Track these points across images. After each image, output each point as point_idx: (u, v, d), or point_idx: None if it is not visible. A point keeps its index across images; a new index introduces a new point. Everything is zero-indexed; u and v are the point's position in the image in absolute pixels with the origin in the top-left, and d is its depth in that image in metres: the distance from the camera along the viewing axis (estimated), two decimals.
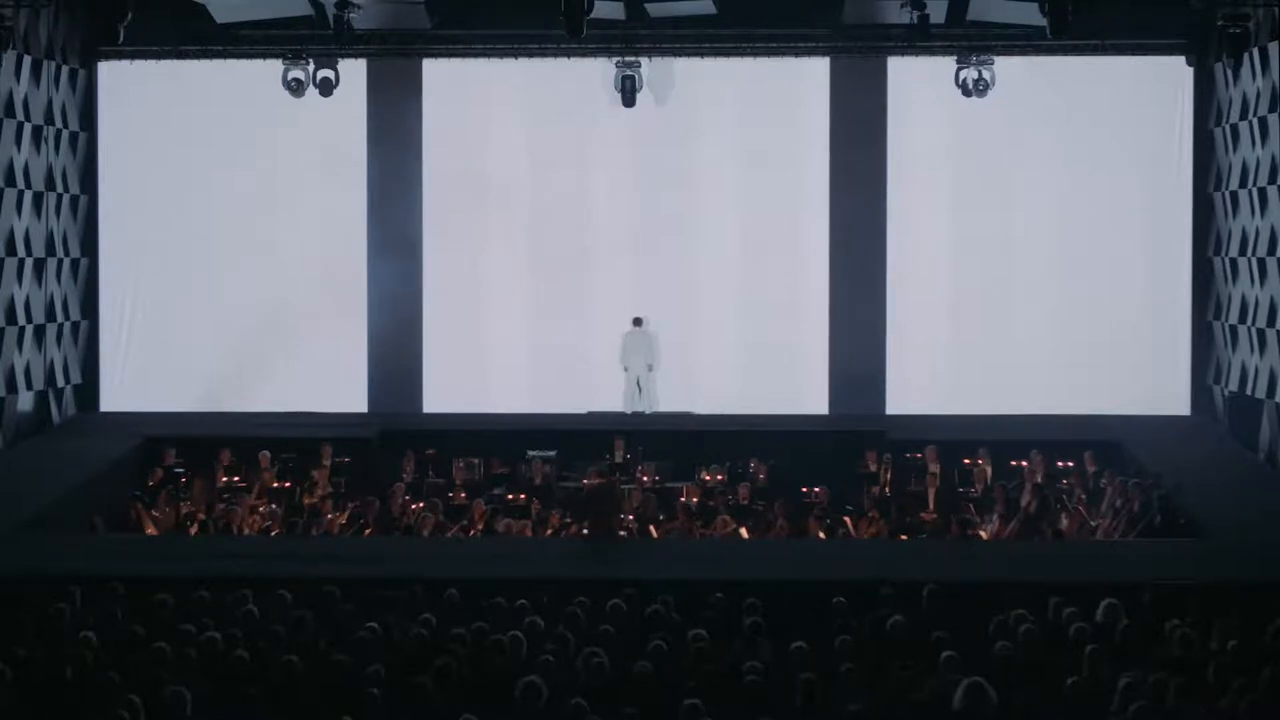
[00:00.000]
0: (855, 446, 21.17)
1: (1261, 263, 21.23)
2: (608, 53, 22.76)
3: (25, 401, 21.96)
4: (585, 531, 17.65)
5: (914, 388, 23.56)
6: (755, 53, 23.38)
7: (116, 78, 23.93)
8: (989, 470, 20.43)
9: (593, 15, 18.01)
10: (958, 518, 18.64)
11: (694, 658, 11.71)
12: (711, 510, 19.13)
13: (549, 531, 18.70)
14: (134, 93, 23.89)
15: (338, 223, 23.92)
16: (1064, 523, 18.54)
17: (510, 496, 19.71)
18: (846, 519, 18.92)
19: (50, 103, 22.75)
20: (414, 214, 23.96)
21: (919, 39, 21.55)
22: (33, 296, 22.24)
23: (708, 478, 20.27)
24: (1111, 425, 21.80)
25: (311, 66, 22.81)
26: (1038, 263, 23.73)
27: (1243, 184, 21.97)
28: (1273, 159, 20.84)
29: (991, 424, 22.02)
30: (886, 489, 20.28)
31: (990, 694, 10.22)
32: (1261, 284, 21.24)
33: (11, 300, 21.65)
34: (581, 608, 12.99)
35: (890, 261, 23.77)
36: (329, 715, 10.47)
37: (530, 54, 23.35)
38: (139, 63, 23.54)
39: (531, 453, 20.97)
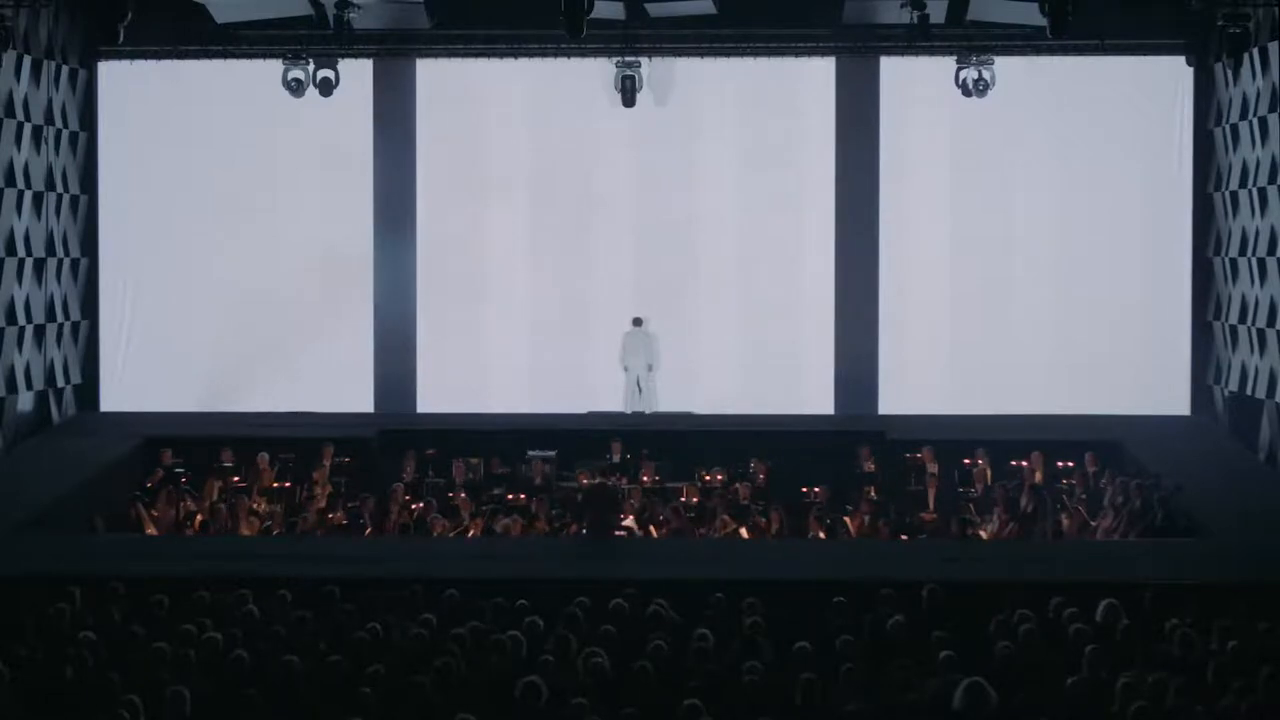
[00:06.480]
0: (855, 446, 21.17)
1: (1261, 263, 21.22)
2: (608, 53, 22.73)
3: (25, 401, 21.95)
4: (584, 531, 17.65)
5: (913, 388, 23.57)
6: (755, 53, 23.42)
7: (116, 78, 23.92)
8: (989, 470, 20.42)
9: (593, 15, 17.98)
10: (958, 518, 18.65)
11: (694, 658, 11.71)
12: (711, 510, 19.12)
13: (545, 529, 18.69)
14: (134, 93, 23.89)
15: (340, 223, 23.90)
16: (1064, 523, 18.54)
17: (510, 496, 19.70)
18: (846, 519, 18.92)
19: (50, 103, 22.74)
20: (415, 214, 23.95)
21: (919, 39, 21.54)
22: (33, 296, 22.23)
23: (707, 478, 20.26)
24: (1111, 425, 21.79)
25: (311, 66, 22.77)
26: (1037, 263, 23.72)
27: (1243, 184, 21.96)
28: (1273, 159, 20.83)
29: (991, 424, 22.02)
30: (875, 489, 20.25)
31: (990, 694, 10.22)
32: (1261, 284, 21.24)
33: (11, 300, 21.64)
34: (581, 608, 12.97)
35: (890, 261, 23.78)
36: (329, 715, 10.47)
37: (530, 54, 23.38)
38: (139, 63, 23.55)
39: (531, 453, 20.96)
